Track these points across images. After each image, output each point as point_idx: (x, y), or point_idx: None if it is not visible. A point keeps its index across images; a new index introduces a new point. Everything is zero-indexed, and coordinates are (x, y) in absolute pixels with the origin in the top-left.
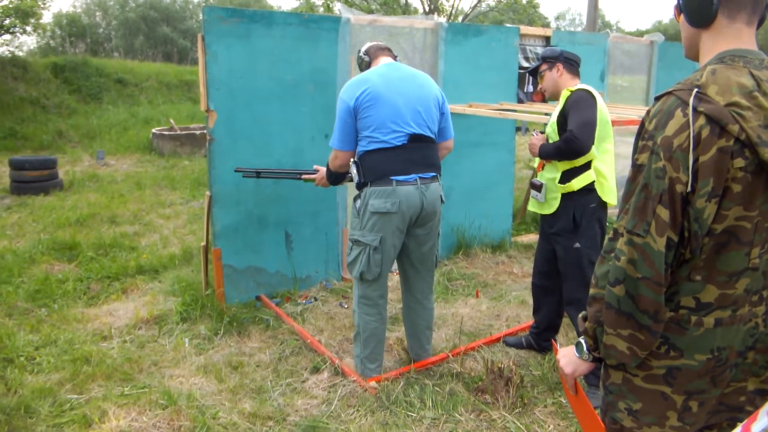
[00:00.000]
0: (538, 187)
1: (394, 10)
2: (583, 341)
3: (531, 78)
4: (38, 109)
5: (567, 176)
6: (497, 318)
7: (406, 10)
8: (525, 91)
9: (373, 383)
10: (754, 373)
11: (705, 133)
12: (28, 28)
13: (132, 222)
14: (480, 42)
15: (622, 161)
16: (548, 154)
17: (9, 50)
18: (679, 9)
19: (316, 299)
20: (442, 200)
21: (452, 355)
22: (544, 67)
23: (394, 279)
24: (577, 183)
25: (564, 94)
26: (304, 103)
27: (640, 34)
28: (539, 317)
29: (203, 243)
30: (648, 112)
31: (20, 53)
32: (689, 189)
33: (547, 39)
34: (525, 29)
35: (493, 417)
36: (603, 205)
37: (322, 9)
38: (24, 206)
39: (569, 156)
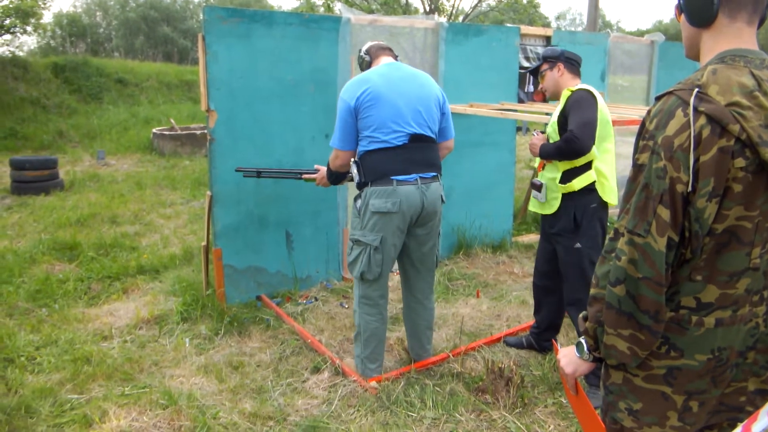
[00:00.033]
0: (538, 187)
1: (394, 10)
2: (583, 341)
3: (532, 78)
4: (39, 109)
5: (568, 176)
6: (498, 318)
7: (407, 9)
8: (526, 90)
9: (373, 383)
10: (755, 373)
11: (706, 132)
12: (29, 28)
13: (133, 222)
14: (480, 42)
15: (623, 161)
16: (549, 154)
17: (9, 50)
18: (680, 9)
19: (316, 299)
20: (442, 200)
21: (453, 355)
22: (545, 66)
23: (394, 279)
24: (578, 183)
25: (565, 94)
26: (305, 103)
27: (640, 33)
28: (540, 317)
29: (204, 243)
30: (649, 111)
31: (21, 53)
32: (690, 189)
33: (548, 39)
34: (525, 29)
35: (494, 417)
36: (604, 205)
37: (322, 9)
38: (24, 206)
39: (570, 156)
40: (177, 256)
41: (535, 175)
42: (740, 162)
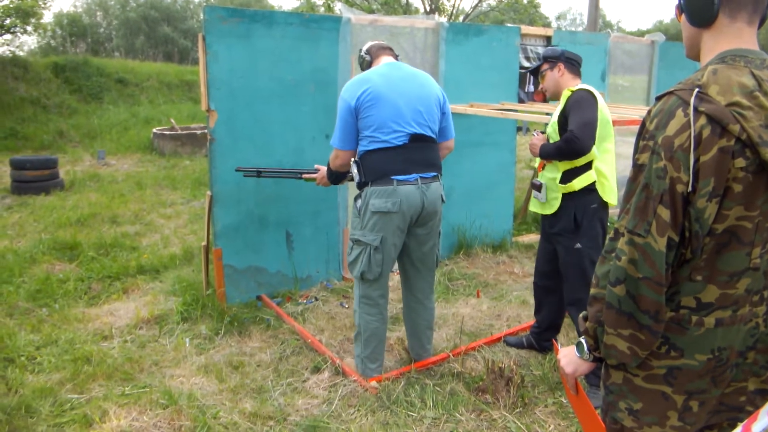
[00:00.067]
0: (538, 187)
1: (395, 10)
2: (583, 341)
3: (532, 78)
4: (39, 108)
5: (568, 176)
6: (498, 318)
7: (407, 9)
8: (526, 90)
9: (373, 383)
10: (755, 373)
11: (706, 133)
12: (29, 28)
13: (133, 222)
14: (481, 42)
15: (623, 161)
16: (549, 154)
17: (10, 50)
18: (681, 9)
19: (316, 299)
20: (442, 200)
21: (453, 355)
22: (545, 66)
23: (394, 279)
24: (578, 183)
25: (565, 94)
26: (305, 103)
27: (641, 33)
28: (540, 317)
29: (204, 243)
30: (649, 111)
31: (21, 53)
32: (690, 189)
33: (548, 39)
34: (526, 29)
35: (494, 417)
36: (604, 205)
37: (322, 9)
38: (25, 206)
39: (570, 156)
40: (177, 256)
41: (536, 175)
42: (740, 162)
